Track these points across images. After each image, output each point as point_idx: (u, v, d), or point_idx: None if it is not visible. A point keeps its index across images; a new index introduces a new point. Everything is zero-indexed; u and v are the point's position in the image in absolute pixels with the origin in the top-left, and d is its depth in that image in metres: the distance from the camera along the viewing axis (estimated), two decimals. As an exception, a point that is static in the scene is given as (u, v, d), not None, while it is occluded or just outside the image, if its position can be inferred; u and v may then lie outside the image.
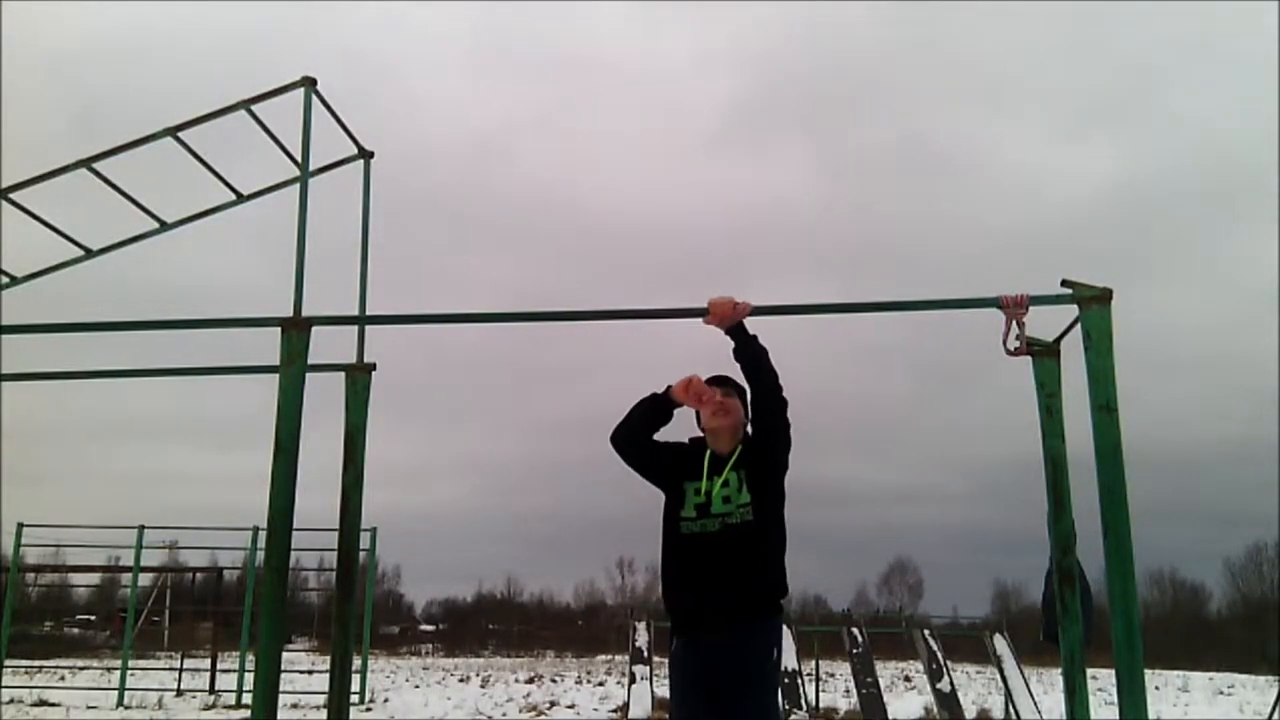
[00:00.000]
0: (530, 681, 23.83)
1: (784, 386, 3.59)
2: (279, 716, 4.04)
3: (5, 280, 5.12)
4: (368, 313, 5.26)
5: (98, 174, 4.86)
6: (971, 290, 3.85)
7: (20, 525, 17.21)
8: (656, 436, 3.71)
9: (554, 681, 24.23)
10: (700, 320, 3.72)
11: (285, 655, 5.30)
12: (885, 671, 23.59)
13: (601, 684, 23.61)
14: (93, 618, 39.59)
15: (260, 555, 8.72)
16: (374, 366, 4.83)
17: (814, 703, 16.82)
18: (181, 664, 19.52)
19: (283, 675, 4.99)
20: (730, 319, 3.65)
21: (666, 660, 3.68)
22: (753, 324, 3.71)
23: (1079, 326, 3.64)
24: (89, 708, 15.48)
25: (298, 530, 4.11)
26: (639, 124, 71.49)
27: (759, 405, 3.60)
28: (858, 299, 4.14)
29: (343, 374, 4.80)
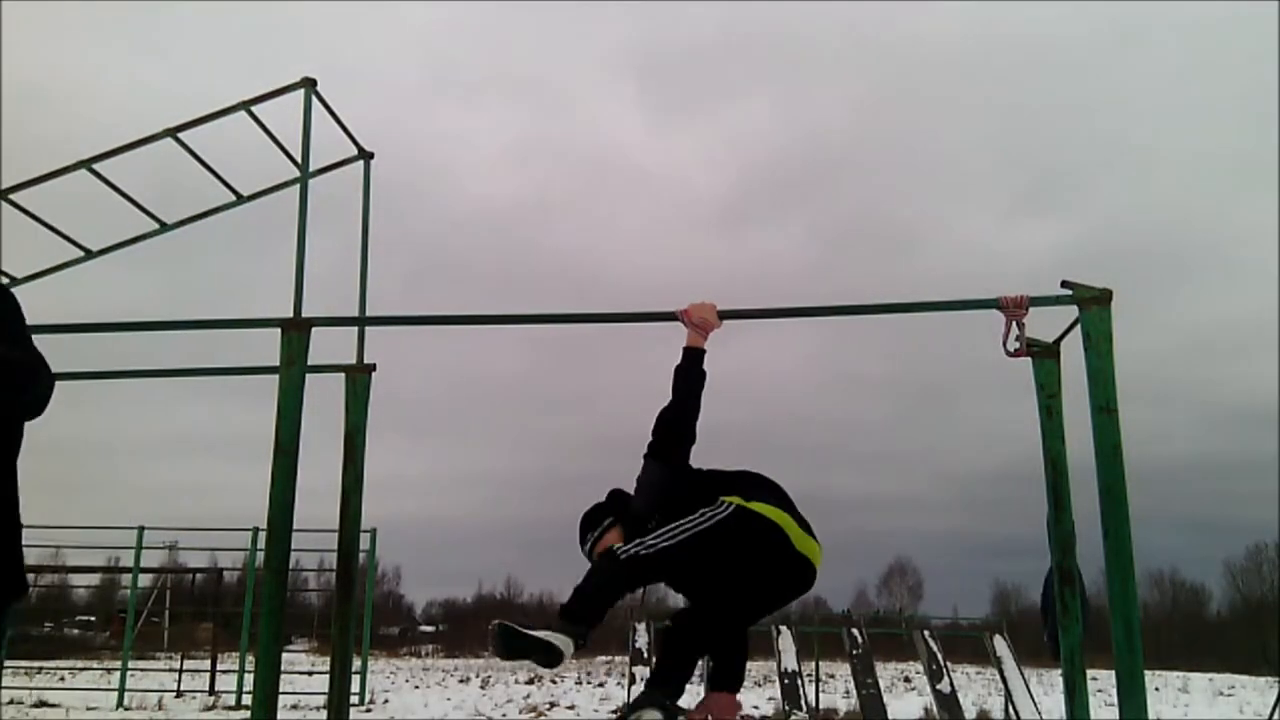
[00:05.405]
0: (530, 682, 23.78)
1: (678, 418, 3.59)
2: (279, 717, 4.03)
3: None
4: (368, 314, 5.27)
5: (97, 174, 4.86)
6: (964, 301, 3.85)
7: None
8: None
9: (554, 682, 24.20)
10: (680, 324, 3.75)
11: (285, 656, 5.31)
12: (885, 672, 23.58)
13: (601, 685, 23.60)
14: (92, 619, 39.53)
15: (260, 556, 8.72)
16: (373, 367, 4.83)
17: (814, 704, 16.82)
18: (181, 665, 19.50)
19: (283, 676, 4.99)
20: (707, 328, 3.69)
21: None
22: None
23: (1079, 327, 3.64)
24: (89, 709, 15.48)
25: (298, 531, 4.12)
26: (652, 211, 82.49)
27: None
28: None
29: (343, 375, 4.81)
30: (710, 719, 3.30)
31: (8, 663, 16.79)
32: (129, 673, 17.35)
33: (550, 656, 3.00)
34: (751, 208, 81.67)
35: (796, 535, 3.36)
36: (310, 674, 17.73)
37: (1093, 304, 3.59)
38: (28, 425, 2.42)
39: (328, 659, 6.07)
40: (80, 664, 22.89)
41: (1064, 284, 3.64)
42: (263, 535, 5.20)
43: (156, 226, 5.25)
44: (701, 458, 3.64)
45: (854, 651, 16.52)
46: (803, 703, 15.77)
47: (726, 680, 3.44)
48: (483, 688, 22.12)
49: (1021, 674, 16.43)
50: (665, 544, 3.19)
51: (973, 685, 24.12)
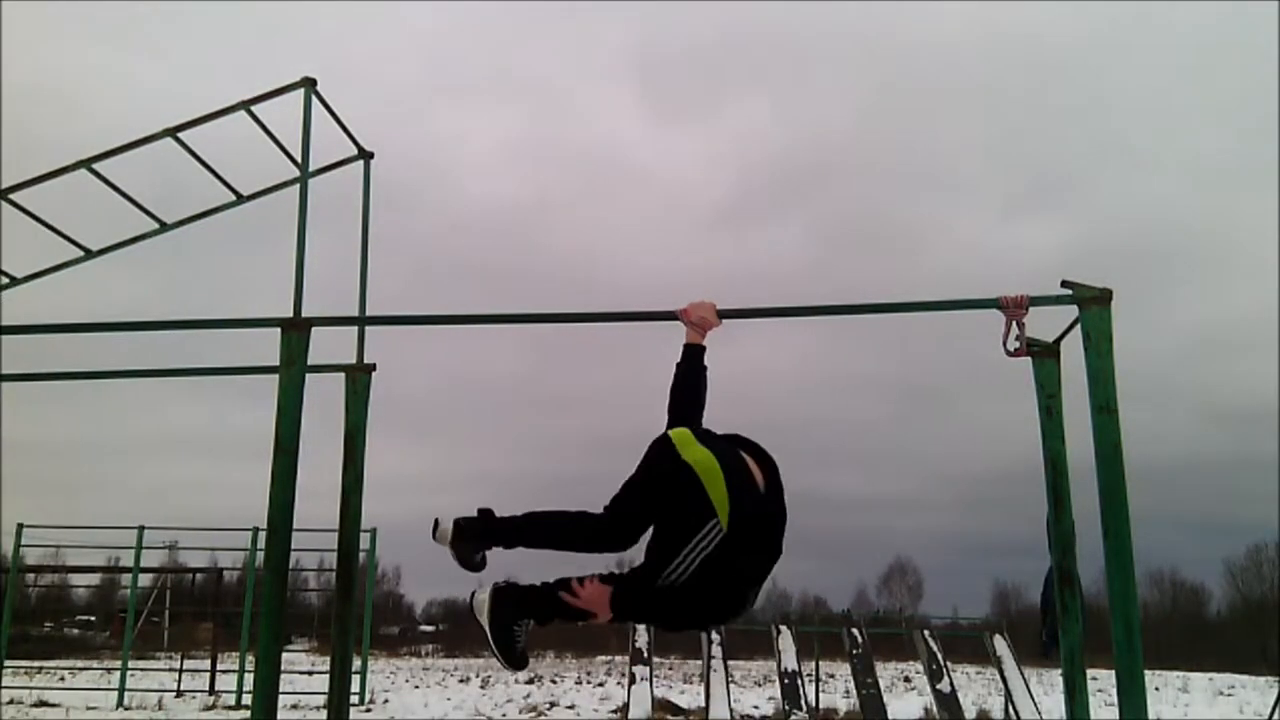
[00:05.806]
0: (530, 682, 23.77)
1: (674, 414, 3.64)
2: (279, 717, 4.03)
3: (5, 280, 5.12)
4: (368, 314, 5.27)
5: (97, 174, 4.86)
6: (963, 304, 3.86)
7: (20, 526, 17.22)
8: None
9: (554, 682, 24.21)
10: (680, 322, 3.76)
11: (285, 656, 5.30)
12: (885, 672, 23.58)
13: (601, 684, 23.61)
14: (92, 618, 39.53)
15: (260, 556, 8.73)
16: (373, 367, 4.84)
17: (814, 703, 16.82)
18: (181, 665, 19.51)
19: (283, 676, 4.99)
20: (705, 326, 3.71)
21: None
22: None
23: (1079, 327, 3.64)
24: (89, 708, 15.50)
25: (298, 531, 4.11)
26: (650, 212, 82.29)
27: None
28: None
29: (343, 375, 4.81)
30: (578, 590, 3.31)
31: (8, 663, 16.79)
32: (129, 673, 17.37)
33: (433, 528, 3.41)
34: (751, 207, 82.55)
35: (682, 440, 3.27)
36: (310, 674, 17.74)
37: (1093, 304, 3.59)
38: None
39: (328, 659, 6.07)
40: (80, 664, 22.89)
41: (1064, 284, 3.64)
42: (263, 535, 5.20)
43: (156, 226, 5.24)
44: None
45: (854, 651, 16.53)
46: (803, 703, 15.78)
47: (618, 584, 3.30)
48: (483, 688, 22.11)
49: (1021, 674, 16.45)
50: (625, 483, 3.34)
51: (973, 685, 24.12)
